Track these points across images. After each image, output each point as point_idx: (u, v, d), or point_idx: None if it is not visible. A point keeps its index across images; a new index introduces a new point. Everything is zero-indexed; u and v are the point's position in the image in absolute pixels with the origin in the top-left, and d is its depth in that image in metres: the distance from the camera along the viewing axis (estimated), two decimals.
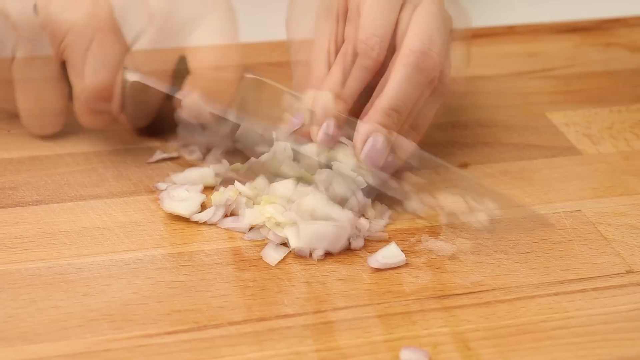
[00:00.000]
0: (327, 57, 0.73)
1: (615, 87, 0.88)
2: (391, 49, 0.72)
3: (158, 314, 0.61)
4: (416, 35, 0.71)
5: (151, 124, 0.76)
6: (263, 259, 0.66)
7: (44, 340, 0.59)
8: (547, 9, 0.99)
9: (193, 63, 0.72)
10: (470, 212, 0.69)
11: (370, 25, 0.71)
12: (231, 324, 0.61)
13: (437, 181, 0.72)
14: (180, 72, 0.74)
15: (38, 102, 0.75)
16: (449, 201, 0.70)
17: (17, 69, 0.74)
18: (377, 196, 0.70)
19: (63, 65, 0.73)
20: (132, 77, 0.72)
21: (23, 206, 0.70)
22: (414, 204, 0.71)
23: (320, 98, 0.70)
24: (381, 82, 0.71)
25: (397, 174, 0.71)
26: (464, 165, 0.76)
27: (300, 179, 0.69)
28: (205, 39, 0.72)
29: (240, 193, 0.69)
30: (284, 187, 0.68)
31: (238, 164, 0.71)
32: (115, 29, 0.72)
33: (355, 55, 0.71)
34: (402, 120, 0.71)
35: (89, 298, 0.62)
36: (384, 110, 0.70)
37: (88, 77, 0.74)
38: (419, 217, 0.70)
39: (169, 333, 0.60)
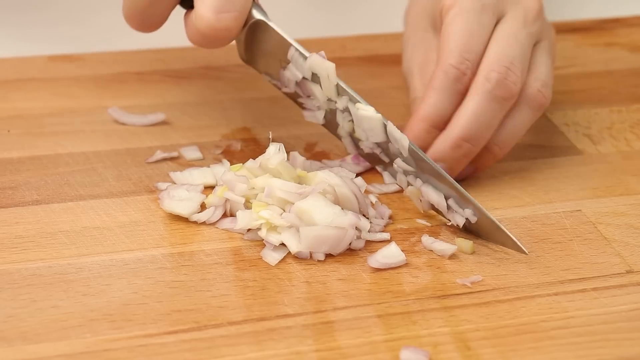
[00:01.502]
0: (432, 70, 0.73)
1: (615, 87, 0.88)
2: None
3: (158, 314, 0.61)
4: (494, 61, 0.70)
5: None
6: (263, 258, 0.66)
7: (44, 340, 0.59)
8: (547, 9, 0.99)
9: (198, 3, 0.69)
10: (449, 211, 0.69)
11: (461, 48, 0.71)
12: (231, 324, 0.61)
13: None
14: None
15: None
16: (432, 195, 0.69)
17: None
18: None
19: None
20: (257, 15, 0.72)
21: (23, 206, 0.70)
22: (399, 178, 0.71)
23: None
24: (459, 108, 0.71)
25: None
26: None
27: (300, 178, 0.69)
28: None
29: (227, 199, 0.69)
30: (281, 188, 0.68)
31: (238, 165, 0.71)
32: None
33: (447, 78, 0.71)
34: (476, 149, 0.71)
35: (89, 298, 0.62)
36: (454, 141, 0.70)
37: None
38: (404, 193, 0.71)
39: (169, 333, 0.60)
